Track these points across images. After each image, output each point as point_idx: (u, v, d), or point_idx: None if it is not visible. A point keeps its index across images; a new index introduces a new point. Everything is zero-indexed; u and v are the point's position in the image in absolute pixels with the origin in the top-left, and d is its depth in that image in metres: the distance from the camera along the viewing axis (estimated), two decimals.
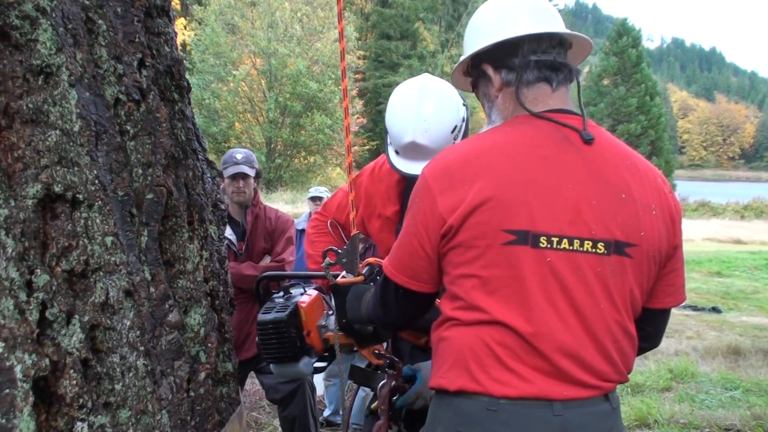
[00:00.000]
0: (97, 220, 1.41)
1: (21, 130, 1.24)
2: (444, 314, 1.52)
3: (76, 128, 1.38)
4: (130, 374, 1.45)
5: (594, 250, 1.42)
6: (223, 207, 2.24)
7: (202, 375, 1.83)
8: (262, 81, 32.95)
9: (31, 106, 1.26)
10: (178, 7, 38.78)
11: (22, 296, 1.16)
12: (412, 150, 2.23)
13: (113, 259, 1.45)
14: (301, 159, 35.39)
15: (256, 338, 2.07)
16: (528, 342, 1.39)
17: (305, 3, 33.06)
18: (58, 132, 1.32)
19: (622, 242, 1.44)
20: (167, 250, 1.78)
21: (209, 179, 2.12)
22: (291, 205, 22.95)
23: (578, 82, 1.62)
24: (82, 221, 1.36)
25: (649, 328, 1.63)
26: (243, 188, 3.79)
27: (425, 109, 2.20)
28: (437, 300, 1.63)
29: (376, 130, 37.53)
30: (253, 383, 4.97)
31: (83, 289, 1.35)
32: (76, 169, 1.36)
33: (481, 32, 1.62)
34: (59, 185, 1.30)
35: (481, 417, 1.40)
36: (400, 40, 44.19)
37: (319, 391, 5.00)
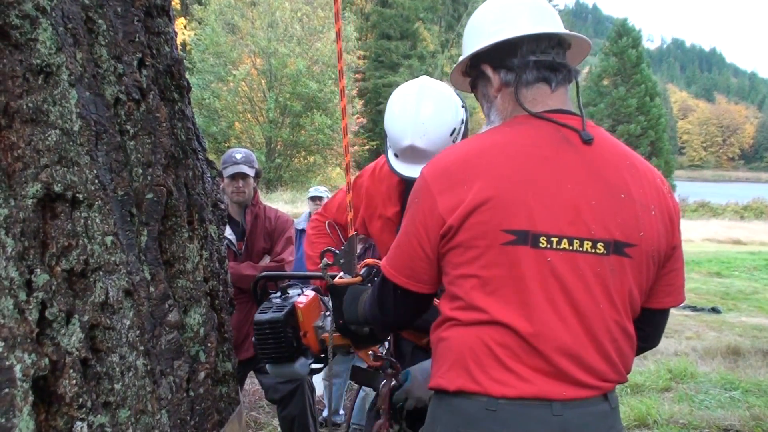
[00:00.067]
0: (97, 220, 1.41)
1: (21, 130, 1.24)
2: (443, 314, 1.52)
3: (76, 128, 1.38)
4: (130, 374, 1.45)
5: (593, 250, 1.42)
6: (223, 207, 2.24)
7: (202, 375, 1.83)
8: (262, 81, 32.95)
9: (31, 105, 1.26)
10: (178, 6, 38.80)
11: (22, 296, 1.16)
12: (411, 153, 2.23)
13: (113, 258, 1.45)
14: (301, 159, 35.40)
15: (253, 338, 2.07)
16: (527, 342, 1.39)
17: (305, 3, 33.07)
18: (58, 131, 1.32)
19: (622, 242, 1.44)
20: (167, 250, 1.78)
21: (209, 179, 2.12)
22: (291, 205, 22.96)
23: (577, 83, 1.63)
24: (82, 221, 1.36)
25: (648, 328, 1.63)
26: (242, 188, 3.79)
27: (423, 112, 2.20)
28: (436, 300, 1.63)
29: (375, 130, 37.54)
30: (252, 383, 4.97)
31: (83, 289, 1.35)
32: (75, 168, 1.36)
33: (480, 32, 1.62)
34: (59, 185, 1.30)
35: (480, 417, 1.40)
36: (400, 40, 44.20)
37: (318, 391, 5.00)
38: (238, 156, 3.82)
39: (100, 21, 1.57)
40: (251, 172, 3.81)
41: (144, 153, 1.67)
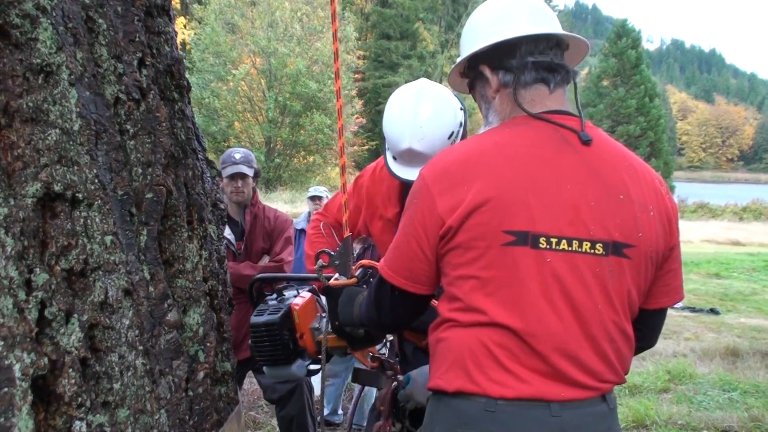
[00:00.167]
0: (97, 219, 1.41)
1: (21, 129, 1.24)
2: (442, 316, 1.52)
3: (76, 127, 1.38)
4: (129, 373, 1.45)
5: (592, 251, 1.42)
6: (222, 207, 2.24)
7: (201, 374, 1.83)
8: (262, 80, 32.93)
9: (30, 104, 1.26)
10: (178, 6, 38.77)
11: (21, 295, 1.16)
12: (410, 156, 2.23)
13: (112, 258, 1.45)
14: (301, 159, 35.38)
15: (249, 340, 2.06)
16: (526, 343, 1.39)
17: (305, 2, 33.05)
18: (57, 131, 1.32)
19: (621, 243, 1.44)
20: (166, 250, 1.78)
21: (209, 179, 2.12)
22: (290, 205, 22.96)
23: (575, 84, 1.63)
24: (82, 220, 1.37)
25: (646, 328, 1.63)
26: (241, 188, 3.79)
27: (422, 115, 2.19)
28: (434, 302, 1.63)
29: (375, 130, 37.51)
30: (251, 383, 4.97)
31: (82, 288, 1.35)
32: (75, 168, 1.36)
33: (479, 33, 1.62)
34: (59, 184, 1.30)
35: (478, 417, 1.40)
36: (399, 40, 44.21)
37: (317, 391, 4.99)
38: (237, 156, 3.82)
39: (100, 20, 1.57)
40: (250, 172, 3.81)
41: (144, 152, 1.67)
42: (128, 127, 1.64)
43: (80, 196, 1.37)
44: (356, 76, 37.99)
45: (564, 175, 1.45)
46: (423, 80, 2.35)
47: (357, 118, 34.90)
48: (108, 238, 1.44)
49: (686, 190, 45.88)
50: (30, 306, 1.18)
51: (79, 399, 1.27)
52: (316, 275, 2.01)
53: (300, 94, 31.57)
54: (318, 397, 5.08)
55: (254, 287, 2.37)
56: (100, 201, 1.42)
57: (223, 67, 31.65)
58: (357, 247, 4.96)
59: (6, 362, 1.10)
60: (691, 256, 17.54)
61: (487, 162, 1.46)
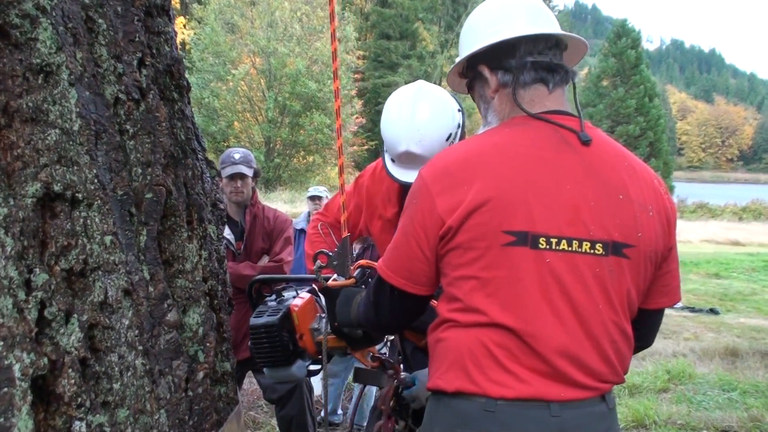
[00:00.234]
0: (96, 219, 1.41)
1: (20, 129, 1.24)
2: (441, 316, 1.52)
3: (76, 127, 1.38)
4: (129, 373, 1.45)
5: (592, 251, 1.42)
6: (222, 207, 2.24)
7: (201, 374, 1.83)
8: (262, 80, 32.93)
9: (30, 104, 1.26)
10: (178, 5, 38.77)
11: (21, 295, 1.16)
12: (408, 159, 2.23)
13: (112, 258, 1.45)
14: (300, 158, 35.38)
15: (249, 342, 2.06)
16: (526, 343, 1.39)
17: (305, 2, 33.05)
18: (57, 131, 1.32)
19: (620, 243, 1.45)
20: (166, 250, 1.78)
21: (208, 179, 2.12)
22: (290, 205, 22.96)
23: (574, 84, 1.63)
24: (81, 220, 1.36)
25: (644, 328, 1.63)
26: (241, 188, 3.78)
27: (419, 117, 2.19)
28: (434, 302, 1.62)
29: (375, 129, 37.46)
30: (250, 382, 4.97)
31: (82, 288, 1.35)
32: (75, 168, 1.36)
33: (477, 33, 1.62)
34: (58, 184, 1.30)
35: (478, 418, 1.40)
36: (399, 40, 44.23)
37: (316, 391, 4.99)
38: (237, 156, 3.81)
39: (100, 20, 1.57)
40: (249, 172, 3.80)
41: (143, 153, 1.67)
42: (128, 127, 1.64)
43: (80, 196, 1.37)
44: (356, 76, 38.00)
45: (564, 175, 1.45)
46: (420, 82, 2.35)
47: (357, 118, 34.90)
48: (108, 238, 1.44)
49: (686, 190, 45.90)
50: (30, 306, 1.18)
51: (79, 399, 1.27)
52: (312, 276, 2.01)
53: (299, 93, 31.57)
54: (318, 397, 5.09)
55: (253, 288, 2.37)
56: (99, 201, 1.42)
57: (223, 66, 31.64)
58: (356, 247, 4.96)
59: (6, 362, 1.10)
60: (691, 256, 17.55)
61: (487, 162, 1.46)
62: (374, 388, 3.77)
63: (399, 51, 43.64)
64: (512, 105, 1.57)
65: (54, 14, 1.35)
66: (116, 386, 1.40)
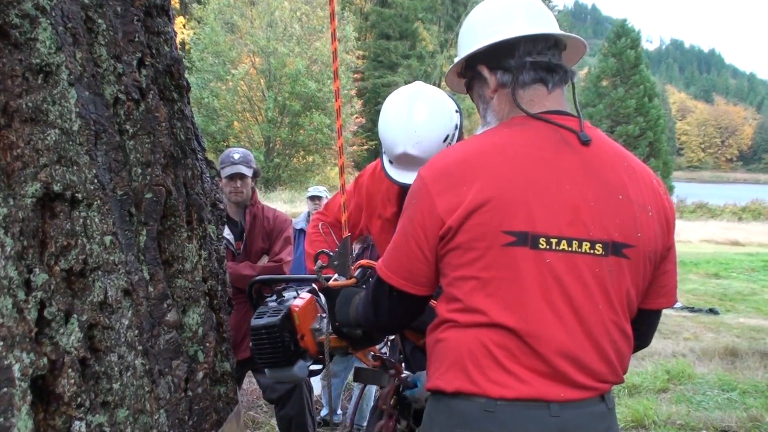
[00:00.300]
0: (96, 219, 1.41)
1: (20, 129, 1.24)
2: (440, 316, 1.52)
3: (76, 127, 1.38)
4: (128, 373, 1.45)
5: (592, 251, 1.43)
6: (222, 207, 2.24)
7: (200, 374, 1.83)
8: (261, 80, 32.93)
9: (30, 104, 1.26)
10: (177, 5, 38.77)
11: (21, 295, 1.16)
12: (405, 160, 2.23)
13: (112, 258, 1.45)
14: (300, 158, 35.38)
15: (250, 343, 2.06)
16: (526, 343, 1.40)
17: (305, 2, 33.04)
18: (57, 131, 1.32)
19: (620, 243, 1.45)
20: (166, 250, 1.78)
21: (208, 179, 2.12)
22: (289, 205, 22.96)
23: (573, 84, 1.62)
24: (81, 220, 1.36)
25: (641, 328, 1.63)
26: (240, 188, 3.78)
27: (416, 119, 2.19)
28: (433, 302, 1.62)
29: (374, 129, 37.12)
30: (250, 382, 4.97)
31: (82, 288, 1.35)
32: (75, 168, 1.36)
33: (477, 33, 1.62)
34: (58, 184, 1.30)
35: (478, 418, 1.40)
36: (399, 40, 44.26)
37: (316, 391, 5.00)
38: (236, 156, 3.81)
39: (99, 20, 1.57)
40: (249, 172, 3.80)
41: (143, 153, 1.67)
42: (128, 127, 1.64)
43: (79, 196, 1.36)
44: (355, 75, 38.00)
45: (563, 175, 1.45)
46: (418, 83, 2.35)
47: (356, 117, 34.90)
48: (107, 238, 1.44)
49: (685, 190, 45.90)
50: (29, 306, 1.18)
51: (79, 399, 1.27)
52: (313, 276, 2.01)
53: (299, 93, 31.57)
54: (318, 397, 5.10)
55: (253, 289, 2.37)
56: (99, 201, 1.42)
57: (223, 66, 31.64)
58: (356, 247, 4.95)
59: (5, 362, 1.10)
60: (690, 256, 17.56)
61: (487, 162, 1.46)
62: (374, 388, 3.77)
63: (399, 51, 43.67)
64: (511, 105, 1.57)
65: (53, 14, 1.35)
66: (116, 386, 1.40)
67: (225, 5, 32.13)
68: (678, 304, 10.37)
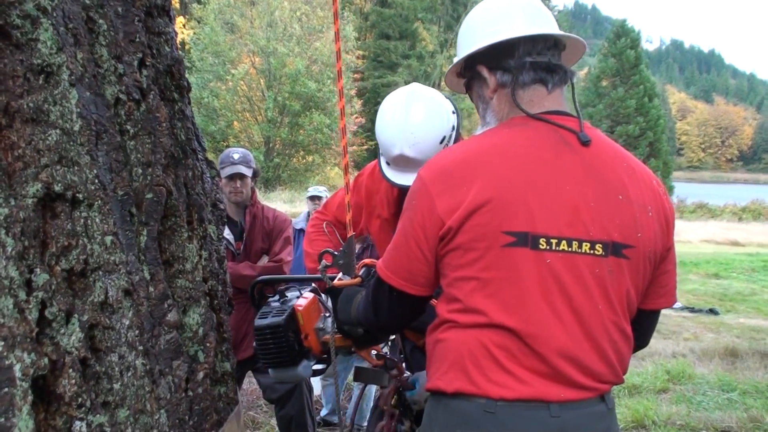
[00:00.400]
0: (97, 220, 1.41)
1: (21, 129, 1.24)
2: (440, 317, 1.52)
3: (77, 127, 1.38)
4: (129, 373, 1.45)
5: (592, 252, 1.43)
6: (222, 207, 2.24)
7: (201, 374, 1.83)
8: (261, 80, 32.95)
9: (31, 105, 1.26)
10: (177, 5, 38.76)
11: (22, 295, 1.17)
12: (402, 162, 2.23)
13: (112, 258, 1.45)
14: (300, 158, 35.40)
15: (254, 343, 2.06)
16: (526, 344, 1.40)
17: (304, 2, 33.07)
18: (58, 131, 1.32)
19: (620, 243, 1.45)
20: (166, 250, 1.78)
21: (209, 179, 2.12)
22: (289, 205, 22.96)
23: (573, 84, 1.63)
24: (82, 220, 1.37)
25: (640, 328, 1.63)
26: (240, 188, 3.78)
27: (413, 121, 2.19)
28: (434, 301, 1.62)
29: (374, 129, 37.46)
30: (250, 382, 4.97)
31: (82, 289, 1.35)
32: (76, 168, 1.36)
33: (476, 33, 1.62)
34: (59, 184, 1.30)
35: (478, 418, 1.41)
36: (399, 40, 44.28)
37: (316, 391, 5.00)
38: (236, 156, 3.81)
39: (100, 21, 1.57)
40: (249, 172, 3.80)
41: (144, 153, 1.67)
42: (128, 127, 1.64)
43: (80, 196, 1.37)
44: (355, 75, 38.03)
45: (563, 175, 1.45)
46: (414, 85, 2.35)
47: (356, 117, 34.93)
48: (108, 239, 1.44)
49: (685, 191, 45.90)
50: (30, 306, 1.18)
51: (79, 399, 1.28)
52: (317, 275, 2.01)
53: (299, 93, 31.59)
54: (317, 397, 5.10)
55: (255, 289, 2.37)
56: (100, 201, 1.42)
57: (222, 66, 31.66)
58: (356, 247, 4.95)
59: (6, 362, 1.10)
60: (691, 257, 17.56)
61: (487, 163, 1.46)
62: (374, 388, 3.77)
63: (398, 51, 43.69)
64: (511, 105, 1.57)
65: (55, 15, 1.35)
66: (116, 386, 1.40)
67: (225, 5, 32.15)
68: (678, 305, 10.37)
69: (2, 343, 1.10)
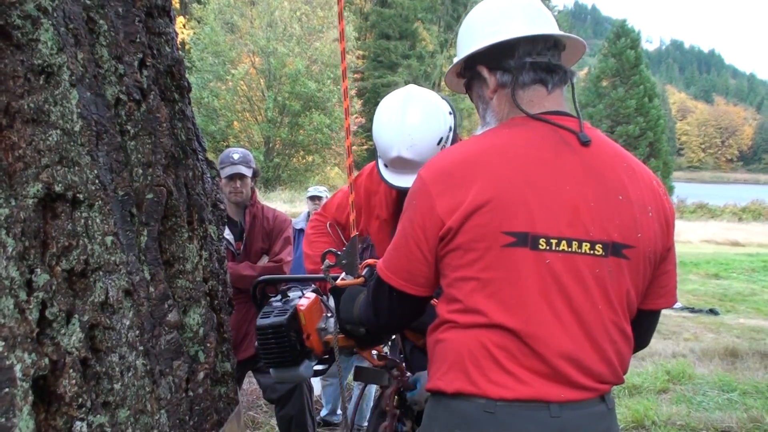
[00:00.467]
0: (97, 220, 1.41)
1: (22, 130, 1.25)
2: (440, 317, 1.52)
3: (77, 128, 1.38)
4: (129, 374, 1.45)
5: (592, 252, 1.43)
6: (222, 207, 2.25)
7: (201, 375, 1.83)
8: (261, 80, 32.95)
9: (32, 105, 1.27)
10: (177, 5, 38.75)
11: (22, 295, 1.17)
12: (400, 164, 2.24)
13: (113, 258, 1.45)
14: (300, 158, 35.40)
15: (256, 343, 2.06)
16: (526, 344, 1.40)
17: (304, 2, 33.08)
18: (58, 131, 1.32)
19: (620, 244, 1.45)
20: (167, 250, 1.78)
21: (209, 179, 2.13)
22: (289, 205, 22.97)
23: (572, 84, 1.63)
24: (83, 221, 1.37)
25: (640, 328, 1.63)
26: (240, 188, 3.78)
27: (410, 123, 2.19)
28: (434, 300, 1.62)
29: None
30: (250, 382, 4.97)
31: (83, 289, 1.35)
32: (76, 168, 1.36)
33: (476, 34, 1.62)
34: (60, 185, 1.30)
35: (478, 419, 1.41)
36: (399, 40, 44.28)
37: (316, 391, 5.00)
38: (236, 156, 3.81)
39: (101, 21, 1.58)
40: (248, 173, 3.80)
41: (144, 153, 1.67)
42: (129, 127, 1.64)
43: (81, 196, 1.37)
44: (356, 75, 38.05)
45: (563, 176, 1.45)
46: (411, 86, 2.35)
47: (357, 117, 34.91)
48: (108, 239, 1.44)
49: (685, 191, 45.90)
50: (31, 306, 1.18)
51: (80, 399, 1.28)
52: (318, 275, 2.00)
53: (299, 93, 31.59)
54: (317, 397, 5.09)
55: (257, 289, 2.37)
56: (100, 201, 1.42)
57: (222, 66, 31.67)
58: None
59: (7, 362, 1.10)
60: (691, 257, 17.56)
61: (486, 163, 1.46)
62: (374, 388, 3.77)
63: (399, 51, 43.70)
64: (511, 105, 1.57)
65: (55, 15, 1.35)
66: (117, 386, 1.40)
67: (225, 5, 32.16)
68: (678, 305, 10.37)
69: (3, 343, 1.10)
